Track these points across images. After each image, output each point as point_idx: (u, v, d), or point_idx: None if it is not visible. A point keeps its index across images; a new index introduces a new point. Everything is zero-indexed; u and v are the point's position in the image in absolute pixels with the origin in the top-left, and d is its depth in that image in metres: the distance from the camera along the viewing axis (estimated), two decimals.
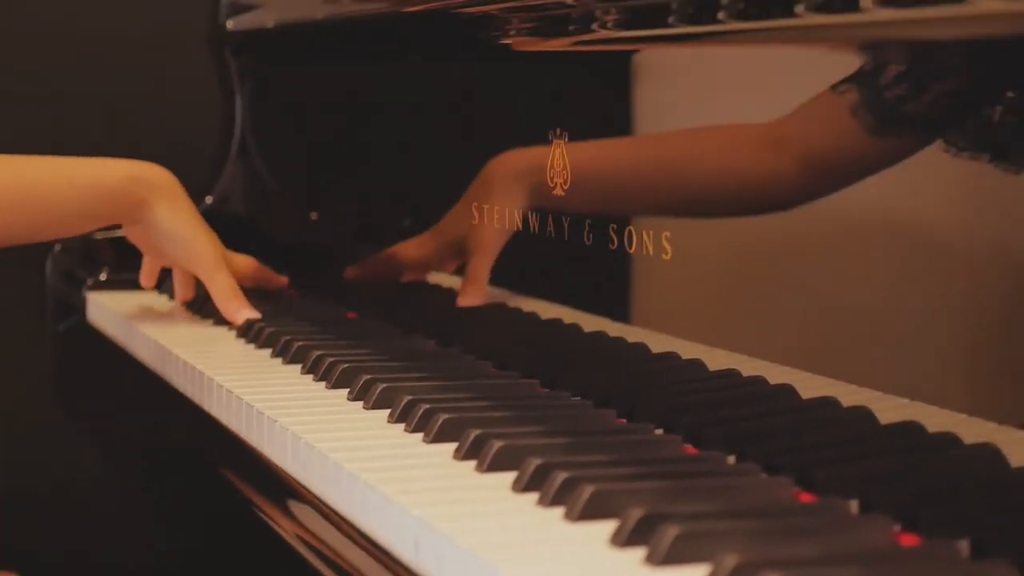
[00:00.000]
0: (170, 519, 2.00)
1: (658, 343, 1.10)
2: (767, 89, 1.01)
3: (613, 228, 1.04)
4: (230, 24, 1.75)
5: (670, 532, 0.68)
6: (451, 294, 1.48)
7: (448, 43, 1.34)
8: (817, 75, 0.95)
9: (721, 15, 0.96)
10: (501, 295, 1.31)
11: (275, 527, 1.02)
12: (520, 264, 1.23)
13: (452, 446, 0.90)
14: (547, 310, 1.23)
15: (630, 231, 1.03)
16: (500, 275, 1.25)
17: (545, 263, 1.18)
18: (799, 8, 0.89)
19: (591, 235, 1.07)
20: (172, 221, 1.36)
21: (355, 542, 0.85)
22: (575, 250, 1.09)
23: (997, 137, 1.14)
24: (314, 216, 1.70)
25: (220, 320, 1.38)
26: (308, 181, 1.72)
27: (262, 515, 1.05)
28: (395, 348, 1.20)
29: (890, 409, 0.96)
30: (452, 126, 1.38)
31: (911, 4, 0.85)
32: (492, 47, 1.24)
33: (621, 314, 1.12)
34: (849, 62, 0.94)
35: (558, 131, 1.09)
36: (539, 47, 1.18)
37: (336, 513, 0.88)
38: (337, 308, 1.46)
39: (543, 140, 1.10)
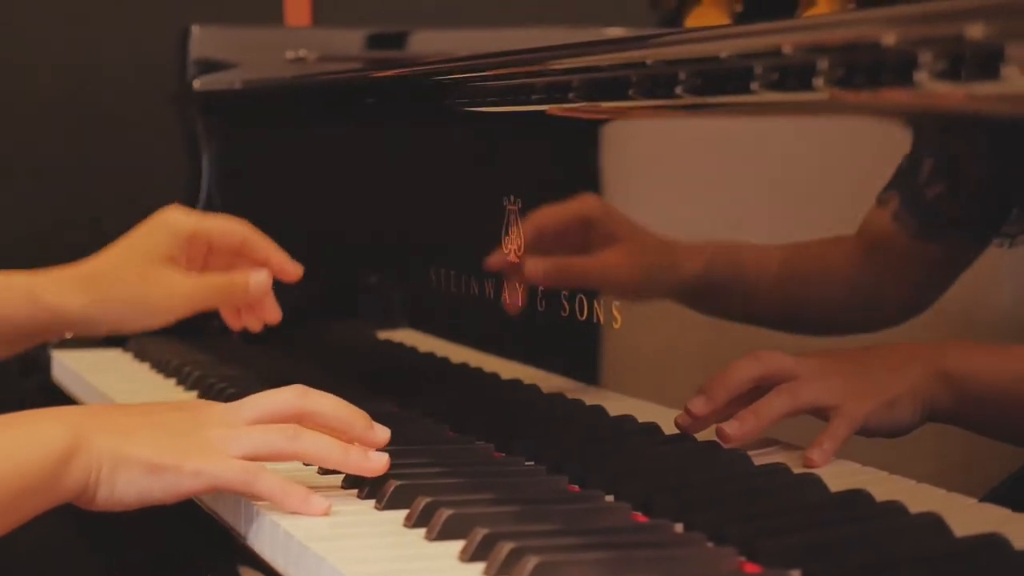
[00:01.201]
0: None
1: (620, 406, 1.11)
2: (728, 160, 1.03)
3: (564, 295, 1.05)
4: (197, 84, 1.76)
5: None
6: (412, 355, 1.49)
7: (415, 107, 1.35)
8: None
9: (679, 89, 0.97)
10: (463, 354, 1.32)
11: None
12: (480, 324, 1.24)
13: (403, 513, 0.91)
14: (510, 371, 1.24)
15: (581, 299, 1.04)
16: (463, 334, 1.26)
17: (505, 325, 1.19)
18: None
19: (543, 302, 1.08)
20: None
21: None
22: (532, 315, 1.10)
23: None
24: None
25: (183, 380, 1.39)
26: (274, 239, 1.72)
27: None
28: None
29: (840, 475, 0.97)
30: (420, 189, 1.39)
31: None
32: (459, 112, 1.25)
33: (584, 375, 1.13)
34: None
35: (512, 197, 1.10)
36: (503, 109, 1.20)
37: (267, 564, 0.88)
38: (296, 367, 1.46)
39: (514, 201, 1.12)
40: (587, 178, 1.09)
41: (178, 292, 1.15)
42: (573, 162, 1.11)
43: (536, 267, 1.16)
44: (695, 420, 1.03)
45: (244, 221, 1.22)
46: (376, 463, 0.95)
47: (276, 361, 1.50)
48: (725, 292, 1.20)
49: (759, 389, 1.05)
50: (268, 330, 1.61)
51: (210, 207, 1.76)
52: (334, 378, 1.38)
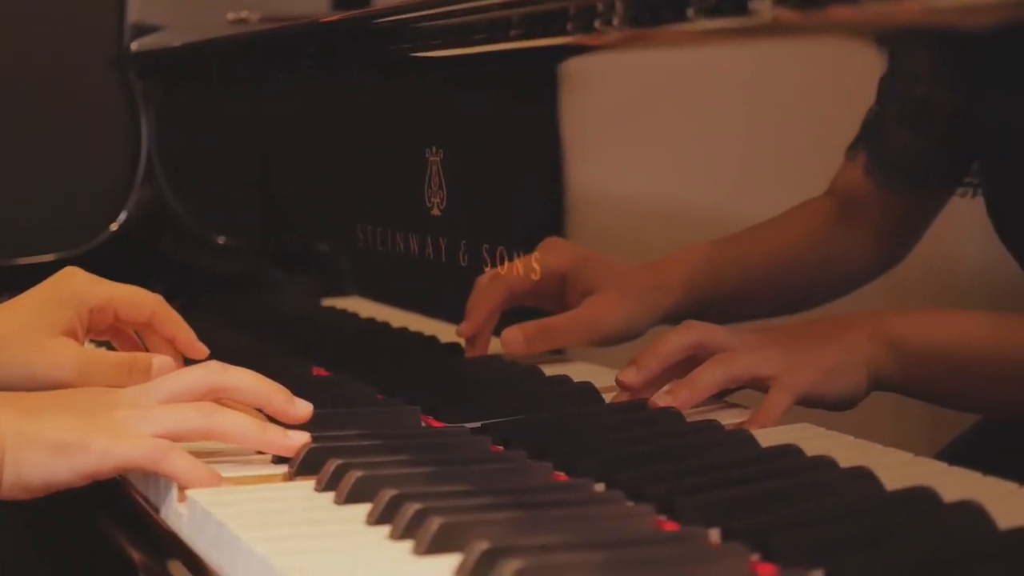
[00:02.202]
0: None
1: (554, 368, 1.08)
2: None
3: (486, 248, 1.01)
4: (135, 46, 1.71)
5: (510, 567, 0.65)
6: (351, 321, 1.45)
7: (359, 56, 1.31)
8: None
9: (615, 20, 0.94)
10: (409, 320, 1.28)
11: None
12: (399, 281, 1.20)
13: (314, 478, 0.87)
14: (424, 324, 1.21)
15: (500, 251, 1.00)
16: (381, 293, 1.22)
17: (423, 282, 1.15)
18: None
19: (466, 256, 1.04)
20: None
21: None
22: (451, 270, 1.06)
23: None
24: (222, 240, 1.67)
25: None
26: (216, 206, 1.68)
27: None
28: (278, 375, 1.16)
29: (777, 432, 0.93)
30: (364, 145, 1.35)
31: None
32: (402, 59, 1.21)
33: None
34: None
35: (434, 148, 1.06)
36: (447, 54, 1.15)
37: (183, 542, 0.84)
38: (234, 334, 1.42)
39: (470, 149, 1.07)
40: (517, 127, 1.05)
41: (66, 365, 1.06)
42: (499, 110, 1.08)
43: (515, 337, 1.13)
44: (628, 391, 1.00)
45: (156, 296, 1.14)
46: (295, 441, 0.91)
47: (212, 331, 1.45)
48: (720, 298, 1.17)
49: (695, 360, 1.01)
50: (207, 299, 1.58)
51: (150, 173, 1.72)
52: (268, 346, 1.34)
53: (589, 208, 1.16)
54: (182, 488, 0.87)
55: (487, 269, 1.05)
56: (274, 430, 0.91)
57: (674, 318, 1.10)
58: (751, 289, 1.12)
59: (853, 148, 1.21)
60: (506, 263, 1.01)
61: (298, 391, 1.05)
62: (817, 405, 0.97)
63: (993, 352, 0.94)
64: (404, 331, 1.33)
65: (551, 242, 1.13)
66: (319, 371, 1.22)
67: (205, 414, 0.90)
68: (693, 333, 0.99)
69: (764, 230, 1.19)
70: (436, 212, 1.07)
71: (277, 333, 1.38)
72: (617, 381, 1.01)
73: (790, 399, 0.96)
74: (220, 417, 0.90)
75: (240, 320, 1.49)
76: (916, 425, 1.11)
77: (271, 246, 1.60)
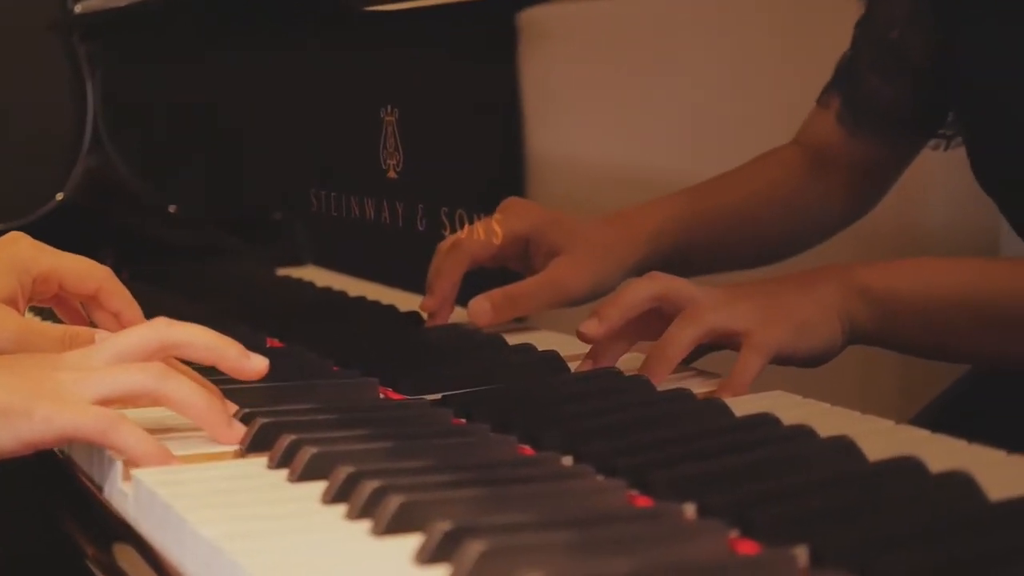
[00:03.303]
0: None
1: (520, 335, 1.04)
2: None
3: (444, 212, 0.97)
4: (78, 8, 1.66)
5: (474, 549, 0.61)
6: (307, 290, 1.41)
7: (310, 12, 1.26)
8: None
9: None
10: (339, 281, 1.23)
11: None
12: (356, 249, 1.16)
13: (267, 454, 0.82)
14: (413, 303, 1.16)
15: (460, 214, 0.96)
16: (339, 262, 1.18)
17: (380, 249, 1.11)
18: None
19: (424, 221, 0.99)
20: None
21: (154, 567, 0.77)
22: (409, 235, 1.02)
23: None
24: (173, 209, 1.62)
25: None
26: (166, 173, 1.63)
27: None
28: None
29: (751, 401, 0.89)
30: (317, 106, 1.29)
31: None
32: (354, 14, 1.16)
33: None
34: None
35: (389, 108, 1.01)
36: (401, 7, 1.10)
37: (129, 527, 0.80)
38: (185, 305, 1.37)
39: (426, 107, 1.03)
40: (475, 84, 1.01)
41: (4, 335, 0.99)
42: (456, 66, 1.03)
43: (482, 308, 1.09)
44: (590, 343, 0.96)
45: (104, 268, 1.09)
46: (236, 432, 0.85)
47: (162, 303, 1.40)
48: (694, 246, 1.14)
49: (659, 313, 0.97)
50: (157, 270, 1.53)
51: (97, 140, 1.66)
52: (219, 317, 1.29)
53: (551, 167, 1.12)
54: (128, 465, 0.82)
55: (446, 233, 1.00)
56: (219, 411, 0.86)
57: (642, 272, 1.07)
58: (719, 240, 1.09)
59: (824, 95, 1.18)
60: (466, 227, 0.97)
61: None
62: (790, 362, 0.94)
63: (968, 296, 0.91)
64: (361, 300, 1.29)
65: (511, 203, 1.09)
66: (273, 342, 1.17)
67: (155, 376, 0.85)
68: (657, 284, 0.95)
69: (730, 180, 1.15)
70: (392, 175, 1.02)
71: (229, 304, 1.33)
72: (578, 333, 0.97)
73: (762, 360, 0.92)
74: (170, 382, 0.85)
75: (192, 291, 1.44)
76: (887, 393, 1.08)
77: (224, 215, 1.55)
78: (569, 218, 1.10)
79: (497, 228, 1.03)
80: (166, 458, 0.83)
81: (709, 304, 0.94)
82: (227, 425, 0.86)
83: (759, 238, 1.16)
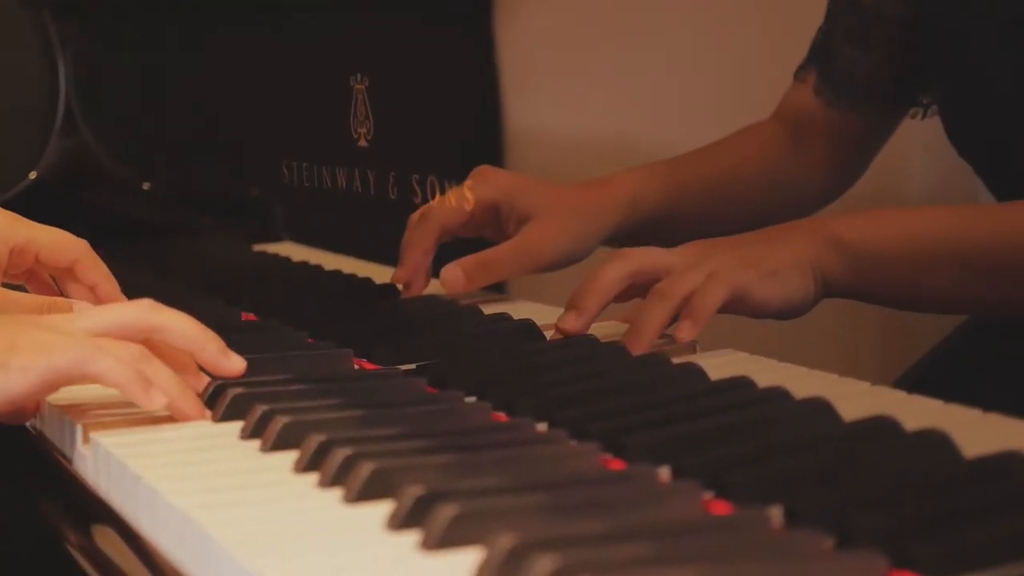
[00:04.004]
0: None
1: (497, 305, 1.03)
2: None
3: (416, 179, 0.96)
4: None
5: (446, 513, 0.60)
6: (282, 265, 1.40)
7: None
8: None
9: None
10: (314, 256, 1.22)
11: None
12: (330, 221, 1.15)
13: (240, 425, 0.82)
14: (359, 267, 1.15)
15: (431, 181, 0.95)
16: (315, 237, 1.17)
17: (353, 220, 1.10)
18: None
19: (395, 189, 0.99)
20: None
21: (129, 545, 0.76)
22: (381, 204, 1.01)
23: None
24: (147, 186, 1.60)
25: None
26: (140, 150, 1.62)
27: None
28: (202, 320, 1.11)
29: (729, 365, 0.89)
30: (287, 76, 1.28)
31: None
32: None
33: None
34: None
35: (359, 76, 1.00)
36: None
37: (105, 506, 0.79)
38: (160, 283, 1.36)
39: (397, 75, 1.01)
40: (446, 50, 1.00)
41: None
42: (427, 32, 1.02)
43: (455, 276, 1.08)
44: (570, 335, 0.95)
45: (82, 241, 1.07)
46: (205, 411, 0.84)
47: (137, 281, 1.39)
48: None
49: (636, 287, 0.97)
50: (132, 249, 1.52)
51: (69, 118, 1.65)
52: (194, 293, 1.28)
53: (524, 133, 1.11)
54: (88, 429, 0.81)
55: (417, 201, 0.99)
56: (193, 402, 0.85)
57: (620, 237, 1.06)
58: (699, 211, 1.08)
59: (801, 70, 1.18)
60: (437, 196, 0.96)
61: (225, 336, 1.00)
62: (763, 313, 0.93)
63: (941, 243, 0.91)
64: (337, 273, 1.28)
65: (482, 171, 1.08)
66: (248, 316, 1.16)
67: (137, 358, 0.84)
68: (629, 263, 0.94)
69: (710, 152, 1.15)
70: (363, 143, 1.01)
71: (204, 280, 1.32)
72: (558, 329, 0.96)
73: (724, 290, 0.91)
74: (152, 368, 0.84)
75: (166, 269, 1.43)
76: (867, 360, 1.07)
77: (198, 192, 1.54)
78: (541, 184, 1.09)
79: (468, 194, 1.02)
80: (145, 387, 0.81)
81: (680, 272, 0.93)
82: (200, 412, 0.85)
83: (740, 210, 1.15)
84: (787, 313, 0.93)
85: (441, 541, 0.60)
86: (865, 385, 0.85)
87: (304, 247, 1.48)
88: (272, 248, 1.50)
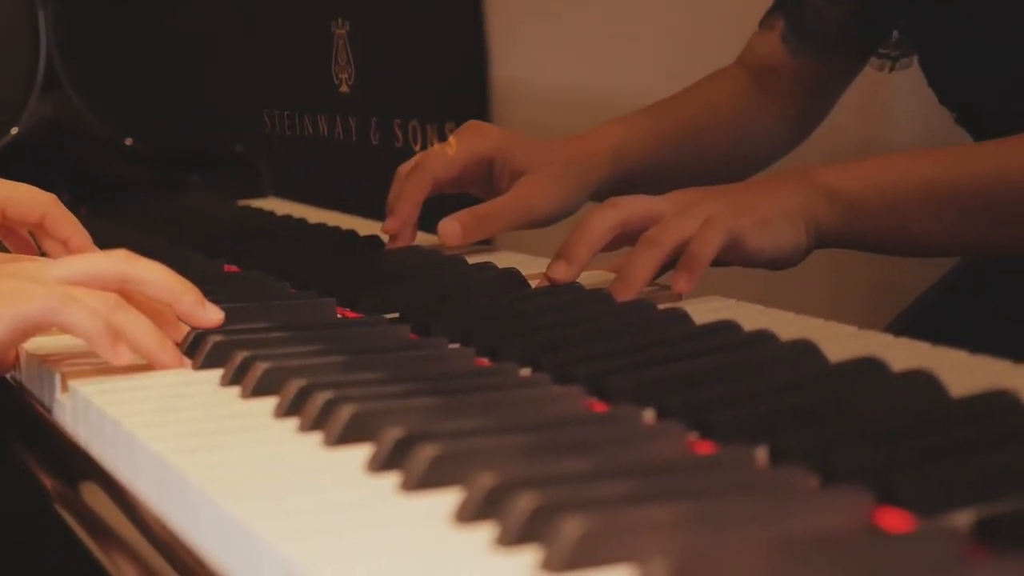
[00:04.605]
0: None
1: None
2: None
3: (398, 124, 0.94)
4: None
5: (426, 454, 0.59)
6: (258, 216, 1.39)
7: None
8: None
9: None
10: (299, 211, 1.21)
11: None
12: (313, 172, 1.14)
13: (220, 372, 0.81)
14: (343, 221, 1.14)
15: (413, 127, 0.94)
16: (299, 192, 1.16)
17: (337, 171, 1.09)
18: None
19: (377, 135, 0.97)
20: None
21: (105, 489, 0.75)
22: (363, 151, 1.00)
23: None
24: (129, 142, 1.59)
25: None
26: (122, 105, 1.60)
27: None
28: (184, 271, 1.10)
29: (715, 311, 0.88)
30: (268, 22, 1.26)
31: None
32: None
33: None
34: None
35: (339, 20, 0.99)
36: None
37: (85, 452, 0.78)
38: (150, 237, 1.35)
39: (378, 18, 0.99)
40: None
41: None
42: None
43: (452, 229, 1.07)
44: (560, 283, 0.94)
45: (49, 195, 1.05)
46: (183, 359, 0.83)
47: (122, 237, 1.38)
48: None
49: (627, 236, 0.96)
50: (116, 205, 1.50)
51: (51, 73, 1.63)
52: (176, 246, 1.27)
53: (509, 80, 1.10)
54: (67, 376, 0.80)
55: (398, 145, 0.98)
56: (172, 352, 0.84)
57: (607, 190, 1.05)
58: (678, 158, 1.08)
59: (768, 17, 1.17)
60: (422, 143, 0.95)
61: (206, 286, 0.99)
62: (756, 262, 0.93)
63: (932, 185, 0.90)
64: (320, 226, 1.27)
65: (471, 126, 1.08)
66: (231, 268, 1.15)
67: (111, 307, 0.82)
68: (618, 211, 0.93)
69: (682, 99, 1.15)
70: (344, 89, 1.00)
71: (187, 234, 1.30)
72: (547, 278, 0.95)
73: (721, 235, 0.90)
74: (125, 316, 0.83)
75: (149, 225, 1.41)
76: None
77: (182, 147, 1.53)
78: (532, 139, 1.09)
79: (458, 148, 1.01)
80: (113, 342, 0.80)
81: (669, 219, 0.92)
82: (179, 361, 0.84)
83: (714, 161, 1.15)
84: (778, 262, 0.92)
85: (421, 482, 0.59)
86: (852, 328, 0.84)
87: (289, 202, 1.47)
88: (256, 204, 1.49)
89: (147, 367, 0.83)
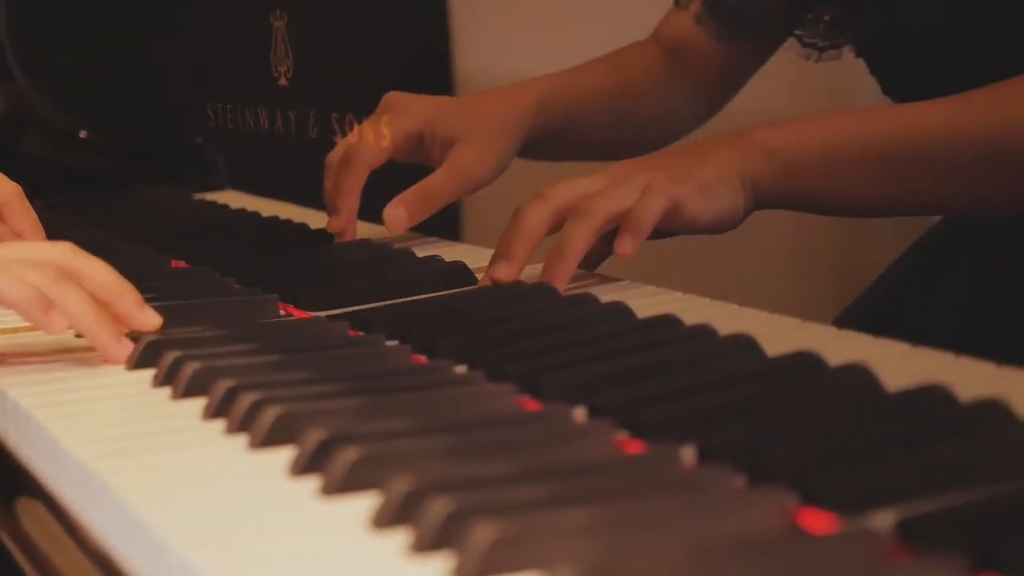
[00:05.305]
0: None
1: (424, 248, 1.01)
2: None
3: (335, 118, 0.93)
4: None
5: (346, 457, 0.58)
6: (210, 210, 1.38)
7: None
8: None
9: None
10: (256, 204, 1.20)
11: None
12: (270, 170, 1.12)
13: (153, 373, 0.79)
14: (296, 214, 1.13)
15: (350, 119, 0.92)
16: (256, 185, 1.14)
17: (277, 160, 1.07)
18: None
19: (316, 128, 0.96)
20: None
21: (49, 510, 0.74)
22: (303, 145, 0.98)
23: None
24: (84, 134, 1.57)
25: None
26: (77, 96, 1.58)
27: None
28: (130, 268, 1.08)
29: (660, 305, 0.87)
30: (209, 14, 1.25)
31: None
32: None
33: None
34: None
35: (278, 12, 0.97)
36: None
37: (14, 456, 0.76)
38: (104, 231, 1.33)
39: (317, 9, 0.99)
40: None
41: None
42: None
43: (398, 215, 1.06)
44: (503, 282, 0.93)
45: (14, 185, 1.05)
46: (123, 352, 0.82)
47: (74, 232, 1.37)
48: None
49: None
50: (69, 199, 1.49)
51: (3, 64, 1.61)
52: (125, 242, 1.26)
53: (470, 69, 1.09)
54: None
55: (336, 139, 0.97)
56: (110, 330, 0.83)
57: (530, 147, 1.05)
58: (592, 121, 1.08)
59: None
60: (354, 132, 0.94)
61: (151, 283, 0.97)
62: (696, 228, 0.91)
63: (868, 145, 0.89)
64: (271, 220, 1.25)
65: (394, 100, 1.06)
66: (178, 264, 1.13)
67: (50, 280, 0.81)
68: (550, 202, 0.91)
69: (596, 66, 1.14)
70: (283, 82, 0.98)
71: (138, 229, 1.29)
72: (491, 279, 0.94)
73: (663, 200, 0.88)
74: (63, 290, 0.82)
75: (102, 219, 1.40)
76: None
77: (137, 140, 1.51)
78: (456, 102, 1.08)
79: (385, 130, 1.00)
80: (45, 309, 0.79)
81: (602, 192, 0.90)
82: (115, 343, 0.82)
83: (631, 131, 1.14)
84: (719, 227, 0.92)
85: (342, 486, 0.58)
86: (795, 321, 0.83)
87: (246, 195, 1.45)
88: (213, 197, 1.47)
89: (84, 365, 0.82)
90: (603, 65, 1.16)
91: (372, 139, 1.00)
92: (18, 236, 1.05)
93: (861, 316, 1.06)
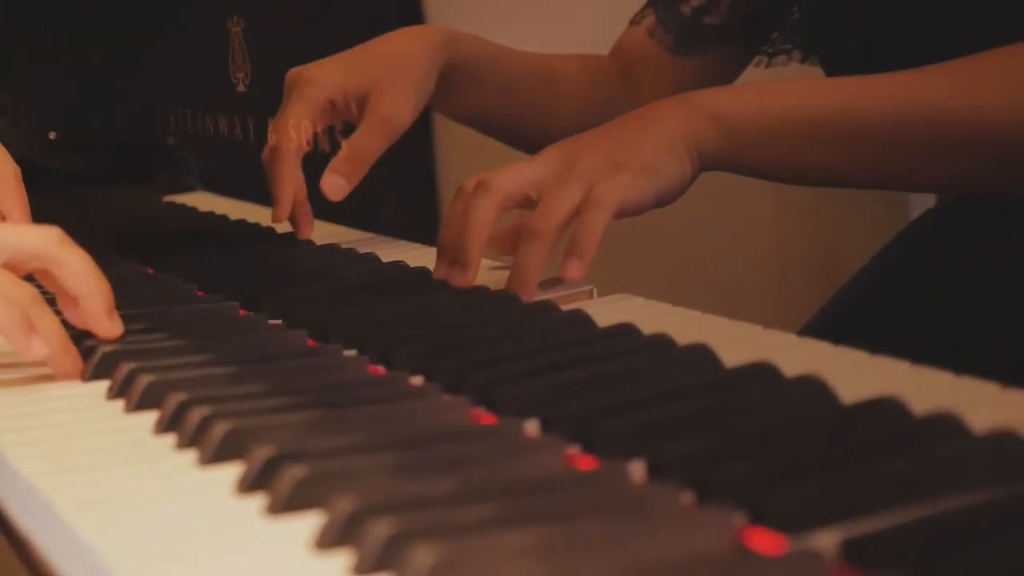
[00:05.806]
0: None
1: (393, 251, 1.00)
2: None
3: (292, 126, 0.92)
4: None
5: (292, 475, 0.58)
6: (179, 213, 1.37)
7: None
8: None
9: None
10: (225, 206, 1.19)
11: None
12: (239, 173, 1.12)
13: (107, 385, 0.79)
14: (265, 216, 1.12)
15: (305, 127, 0.92)
16: (226, 187, 1.14)
17: (237, 166, 1.07)
18: None
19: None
20: None
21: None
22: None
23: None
24: (53, 135, 1.56)
25: None
26: (45, 96, 1.58)
27: None
28: None
29: (623, 312, 0.86)
30: (166, 19, 1.24)
31: None
32: None
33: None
34: None
35: (235, 18, 0.96)
36: None
37: None
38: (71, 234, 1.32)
39: (274, 15, 0.98)
40: None
41: None
42: None
43: (336, 184, 1.05)
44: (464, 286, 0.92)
45: (15, 166, 1.04)
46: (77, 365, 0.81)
47: None
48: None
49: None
50: (41, 197, 1.48)
51: None
52: (90, 246, 1.24)
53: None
54: None
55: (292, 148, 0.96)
56: (74, 359, 0.81)
57: (446, 77, 1.03)
58: (510, 77, 1.07)
59: (639, 14, 1.17)
60: (281, 128, 0.93)
61: (113, 290, 0.96)
62: (642, 211, 0.91)
63: (816, 111, 0.89)
64: (237, 224, 1.24)
65: (299, 79, 1.03)
66: (142, 270, 1.13)
67: (25, 301, 0.80)
68: (493, 195, 0.90)
69: (541, 57, 1.13)
70: (242, 88, 0.98)
71: (103, 232, 1.28)
72: (450, 284, 0.93)
73: (606, 213, 0.88)
74: (38, 313, 0.81)
75: (69, 223, 1.39)
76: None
77: (105, 141, 1.50)
78: (360, 52, 1.06)
79: (298, 112, 0.98)
80: (27, 333, 0.79)
81: (549, 186, 0.89)
82: (71, 370, 0.82)
83: (557, 125, 1.13)
84: (664, 203, 0.91)
85: (287, 504, 0.57)
86: (757, 328, 0.82)
87: (216, 196, 1.44)
88: (184, 199, 1.46)
89: (37, 377, 0.81)
90: (539, 55, 1.15)
91: (289, 126, 0.99)
92: (4, 217, 1.05)
93: (836, 316, 1.05)
